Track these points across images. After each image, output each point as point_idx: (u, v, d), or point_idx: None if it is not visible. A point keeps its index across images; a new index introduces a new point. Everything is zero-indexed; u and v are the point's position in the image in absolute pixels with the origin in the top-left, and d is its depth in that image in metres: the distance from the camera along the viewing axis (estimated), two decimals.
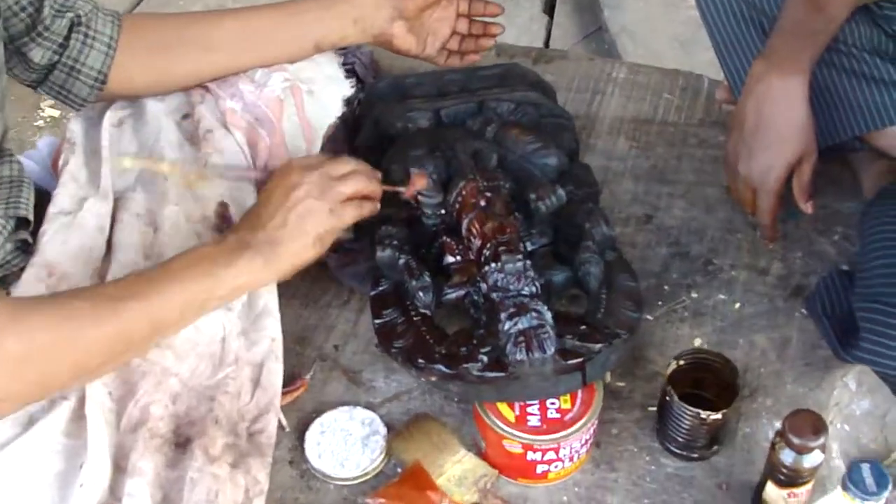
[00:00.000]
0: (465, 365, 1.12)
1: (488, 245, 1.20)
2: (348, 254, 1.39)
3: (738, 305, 1.35)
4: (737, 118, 1.33)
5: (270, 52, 1.34)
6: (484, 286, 1.18)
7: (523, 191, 1.29)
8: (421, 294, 1.20)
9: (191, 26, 1.31)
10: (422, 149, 1.36)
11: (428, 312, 1.21)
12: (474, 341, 1.15)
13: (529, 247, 1.25)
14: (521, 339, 1.11)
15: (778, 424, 1.21)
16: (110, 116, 1.31)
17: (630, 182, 1.50)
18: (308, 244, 1.15)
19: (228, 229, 1.19)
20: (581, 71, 1.66)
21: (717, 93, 1.55)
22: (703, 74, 1.65)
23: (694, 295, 1.36)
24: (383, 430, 1.22)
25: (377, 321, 1.22)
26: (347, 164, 1.20)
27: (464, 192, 1.28)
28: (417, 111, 1.45)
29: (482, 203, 1.25)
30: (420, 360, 1.15)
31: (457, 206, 1.28)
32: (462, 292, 1.21)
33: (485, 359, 1.12)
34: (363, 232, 1.35)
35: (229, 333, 1.17)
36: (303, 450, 1.20)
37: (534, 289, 1.16)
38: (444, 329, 1.19)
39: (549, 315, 1.13)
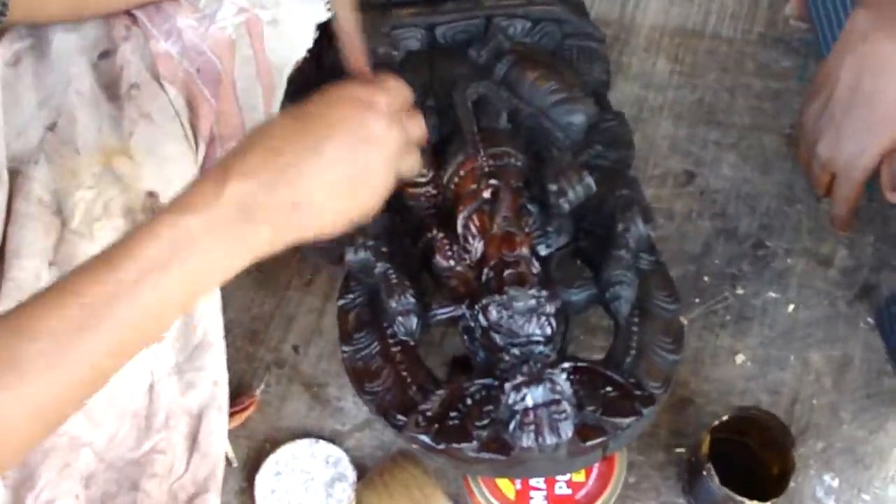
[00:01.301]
0: (455, 445, 0.87)
1: (492, 262, 0.93)
2: None
3: (791, 308, 1.09)
4: (823, 80, 1.02)
5: None
6: (483, 320, 0.92)
7: (539, 168, 1.00)
8: (402, 320, 0.94)
9: None
10: None
11: (410, 342, 0.95)
12: (468, 400, 0.90)
13: (544, 251, 0.98)
14: (531, 420, 0.86)
15: (829, 478, 1.00)
16: (3, 51, 0.99)
17: (669, 122, 1.19)
18: (347, 217, 0.79)
19: (218, 166, 0.75)
20: None
21: (787, 6, 1.23)
22: None
23: (740, 291, 1.10)
24: (352, 474, 0.99)
25: (345, 348, 0.96)
26: (408, 89, 0.86)
27: (461, 173, 0.99)
28: (405, 28, 1.12)
29: (485, 195, 0.96)
30: (398, 418, 0.91)
31: (452, 188, 0.99)
32: (455, 314, 0.95)
33: (482, 435, 0.88)
34: None
35: (158, 379, 0.91)
36: (252, 495, 0.98)
37: (549, 330, 0.90)
38: (430, 371, 0.94)
39: (566, 385, 0.87)
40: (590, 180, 0.97)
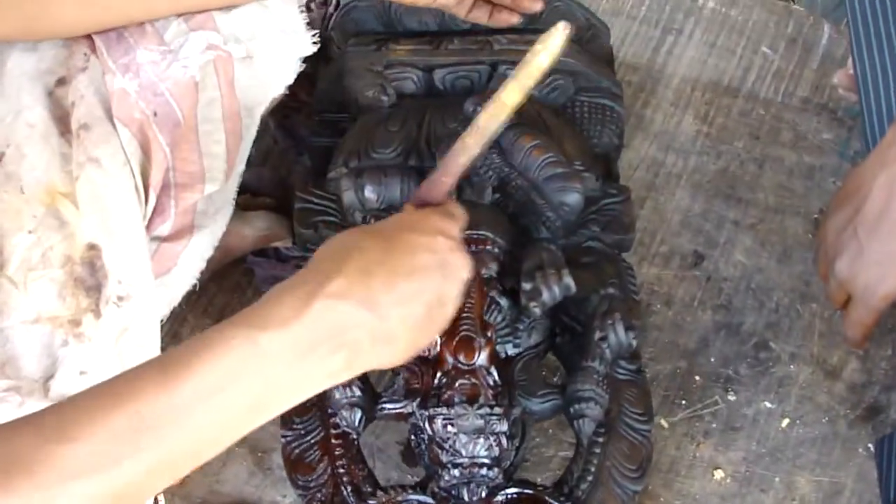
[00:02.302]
0: None
1: (447, 368, 0.85)
2: (280, 265, 1.04)
3: (786, 422, 1.00)
4: (853, 191, 0.90)
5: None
6: (429, 429, 0.84)
7: (519, 253, 0.92)
8: (346, 414, 0.87)
9: None
10: (391, 147, 0.97)
11: (353, 435, 0.88)
12: None
13: (511, 349, 0.90)
14: None
15: None
16: None
17: (686, 192, 1.09)
18: (417, 347, 0.74)
19: (300, 281, 0.68)
20: None
21: (836, 75, 1.10)
22: (823, 20, 1.18)
23: (731, 397, 1.01)
24: None
25: (285, 433, 0.90)
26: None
27: None
28: (401, 68, 1.02)
29: None
30: None
31: None
32: (404, 410, 0.88)
33: None
34: (302, 241, 1.00)
35: None
36: None
37: (496, 451, 0.83)
38: (370, 471, 0.87)
39: None
40: (569, 280, 0.88)
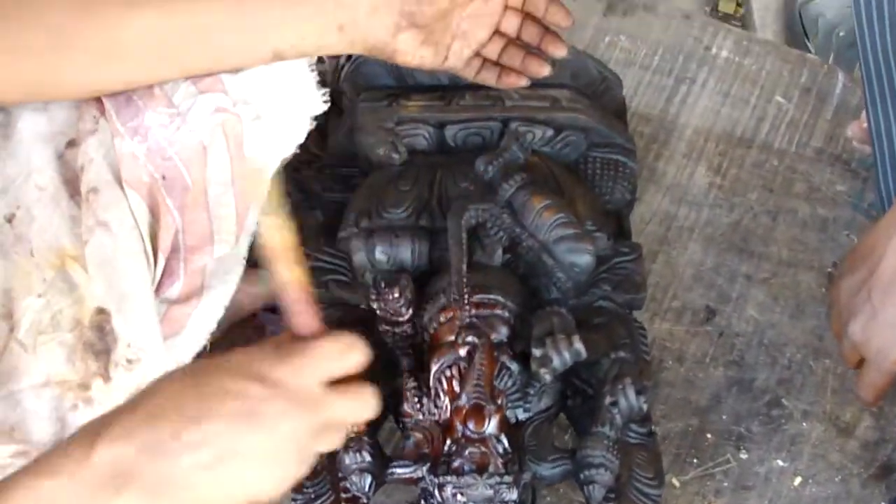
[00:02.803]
0: None
1: (456, 435, 0.85)
2: None
3: (798, 481, 0.99)
4: (866, 253, 0.90)
5: (202, 63, 0.90)
6: (438, 496, 0.84)
7: (529, 317, 0.91)
8: (356, 479, 0.87)
9: (81, 21, 0.86)
10: (402, 207, 0.97)
11: (364, 500, 0.88)
12: None
13: (521, 414, 0.90)
14: None
15: None
16: None
17: (698, 247, 1.08)
18: (241, 499, 0.68)
19: (97, 422, 0.68)
20: (669, 36, 1.18)
21: (850, 128, 1.09)
22: (837, 69, 1.17)
23: (743, 455, 1.00)
24: None
25: (295, 496, 0.90)
26: (368, 403, 0.73)
27: (441, 319, 0.90)
28: (413, 125, 1.02)
29: (461, 352, 0.88)
30: None
31: (430, 333, 0.91)
32: (415, 474, 0.88)
33: None
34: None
35: None
36: None
37: None
38: None
39: None
40: (580, 346, 0.87)
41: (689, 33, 1.19)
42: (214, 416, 0.67)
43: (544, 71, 0.97)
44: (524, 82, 0.99)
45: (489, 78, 0.99)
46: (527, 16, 0.97)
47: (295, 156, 1.06)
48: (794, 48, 1.43)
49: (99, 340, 0.89)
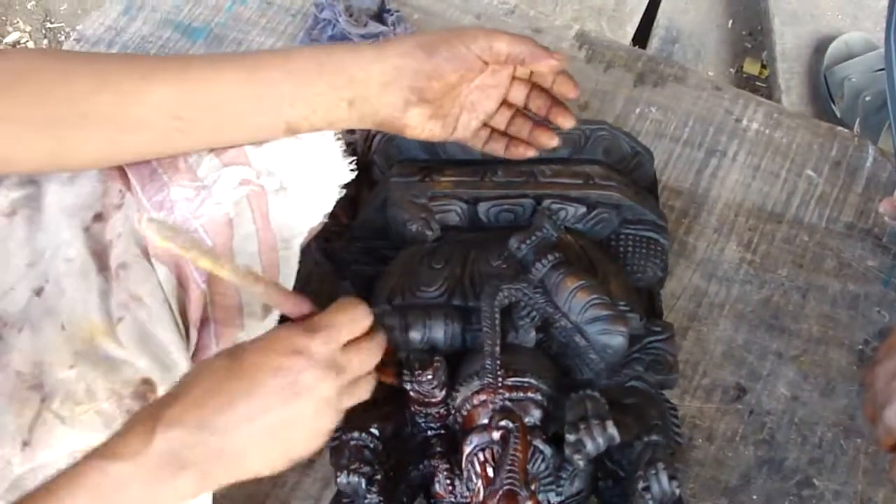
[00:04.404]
0: None
1: None
2: None
3: None
4: None
5: (217, 135, 0.91)
6: None
7: (563, 399, 0.91)
8: None
9: (97, 94, 0.87)
10: (435, 286, 0.97)
11: None
12: None
13: (553, 499, 0.89)
14: None
15: None
16: (0, 198, 0.93)
17: (728, 323, 1.08)
18: (282, 462, 0.80)
19: (151, 409, 0.77)
20: (700, 107, 1.18)
21: (881, 204, 1.09)
22: (868, 142, 1.17)
23: None
24: None
25: None
26: (376, 353, 0.86)
27: (474, 402, 0.90)
28: (446, 200, 1.02)
29: (494, 436, 0.87)
30: None
31: (462, 415, 0.91)
32: None
33: None
34: None
35: None
36: None
37: None
38: None
39: None
40: (613, 431, 0.87)
41: (720, 105, 1.19)
42: (263, 391, 0.77)
43: (553, 142, 0.98)
44: (532, 153, 0.99)
45: (497, 148, 1.00)
46: (534, 86, 0.98)
47: (325, 226, 1.07)
48: (821, 115, 1.44)
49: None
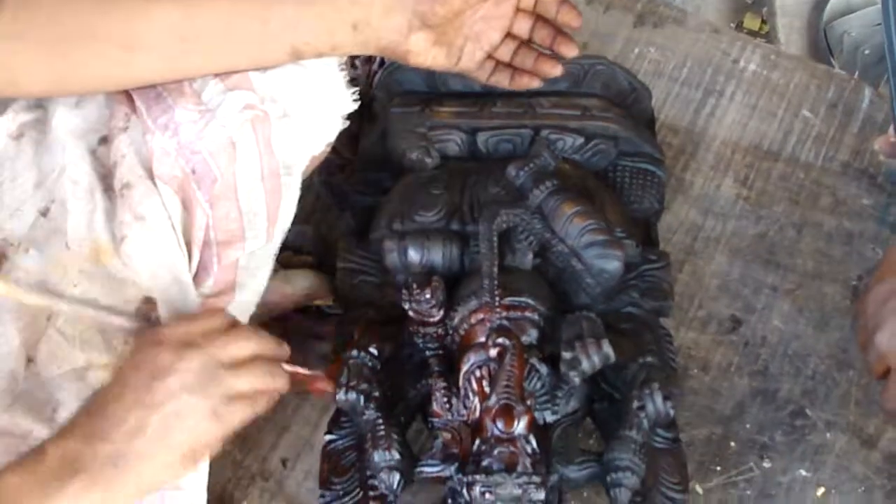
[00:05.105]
0: None
1: (486, 435, 0.86)
2: (321, 322, 1.05)
3: (821, 491, 1.00)
4: (894, 264, 0.91)
5: (223, 58, 0.91)
6: (467, 495, 0.85)
7: (559, 320, 0.92)
8: (384, 476, 0.88)
9: (105, 13, 0.88)
10: (434, 210, 0.98)
11: (391, 497, 0.89)
12: None
13: (549, 417, 0.91)
14: None
15: None
16: (8, 121, 0.94)
17: (724, 258, 1.09)
18: (173, 461, 0.79)
19: (50, 439, 0.79)
20: (698, 49, 1.19)
21: (877, 141, 1.10)
22: (864, 84, 1.18)
23: (767, 464, 1.01)
24: None
25: (323, 492, 0.91)
26: (247, 342, 0.85)
27: (472, 321, 0.91)
28: (445, 130, 1.04)
29: (491, 353, 0.89)
30: None
31: (460, 334, 0.92)
32: (443, 473, 0.89)
33: None
34: (343, 300, 1.01)
35: None
36: None
37: None
38: None
39: None
40: (609, 350, 0.88)
41: (718, 47, 1.20)
42: (131, 383, 0.79)
43: (556, 71, 0.98)
44: (536, 83, 0.99)
45: (502, 80, 1.00)
46: (538, 18, 0.98)
47: (327, 160, 1.08)
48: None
49: (145, 328, 0.91)
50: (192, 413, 0.79)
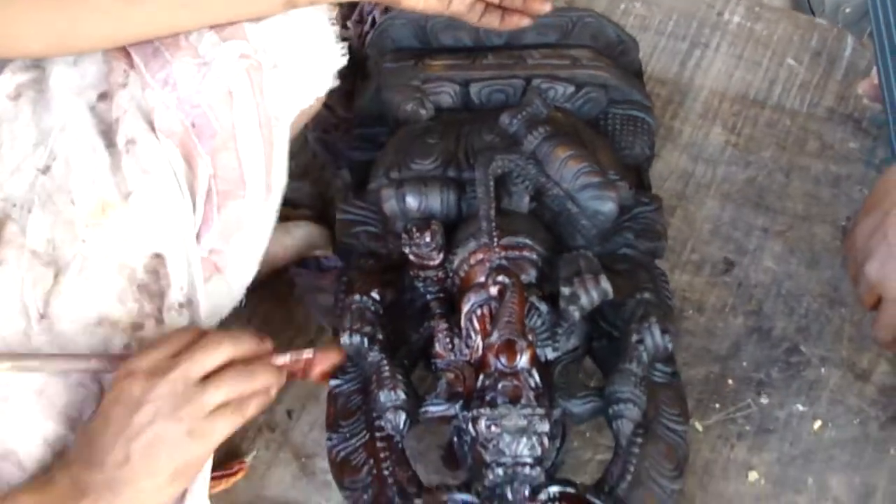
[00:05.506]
0: None
1: (489, 370, 0.88)
2: (321, 275, 1.07)
3: (818, 424, 1.02)
4: (882, 196, 0.93)
5: (219, 8, 0.93)
6: (472, 430, 0.87)
7: (557, 260, 0.94)
8: (391, 416, 0.89)
9: None
10: (430, 158, 1.00)
11: (397, 438, 0.91)
12: None
13: (550, 354, 0.92)
14: None
15: None
16: (5, 82, 0.95)
17: (715, 202, 1.11)
18: (162, 483, 0.83)
19: (58, 463, 0.84)
20: (682, 3, 1.22)
21: (860, 85, 1.13)
22: (847, 32, 1.21)
23: (764, 400, 1.03)
24: None
25: (331, 435, 0.92)
26: (217, 350, 0.85)
27: (471, 262, 0.93)
28: (438, 83, 1.05)
29: (492, 291, 0.90)
30: None
31: (460, 276, 0.94)
32: (448, 412, 0.90)
33: None
34: (343, 251, 1.03)
35: None
36: None
37: (539, 451, 0.85)
38: (414, 472, 0.90)
39: None
40: (607, 286, 0.90)
41: (703, 0, 1.22)
42: (114, 415, 0.82)
43: (546, 7, 1.00)
44: (527, 21, 1.01)
45: (492, 20, 1.01)
46: None
47: (322, 118, 1.10)
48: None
49: (154, 283, 0.92)
50: (170, 438, 0.82)
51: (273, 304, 1.06)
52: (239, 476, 0.99)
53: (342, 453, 0.91)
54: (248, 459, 1.00)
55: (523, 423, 0.85)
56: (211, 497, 0.96)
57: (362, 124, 1.09)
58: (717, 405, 1.02)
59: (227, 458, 0.99)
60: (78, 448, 0.83)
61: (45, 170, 0.95)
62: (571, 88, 1.05)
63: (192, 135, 0.92)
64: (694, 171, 1.13)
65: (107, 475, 0.81)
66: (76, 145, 0.93)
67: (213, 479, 0.96)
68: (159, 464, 0.82)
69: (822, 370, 1.04)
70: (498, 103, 1.06)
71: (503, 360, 0.87)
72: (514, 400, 0.86)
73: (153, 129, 0.93)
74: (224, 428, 0.84)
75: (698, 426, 1.01)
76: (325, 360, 0.93)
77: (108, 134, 0.95)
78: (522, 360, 0.88)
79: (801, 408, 1.02)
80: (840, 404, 1.03)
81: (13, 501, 0.80)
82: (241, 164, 0.95)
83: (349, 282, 0.96)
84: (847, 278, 1.07)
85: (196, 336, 0.86)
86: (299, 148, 0.99)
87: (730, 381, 1.03)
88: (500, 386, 0.87)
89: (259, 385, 0.86)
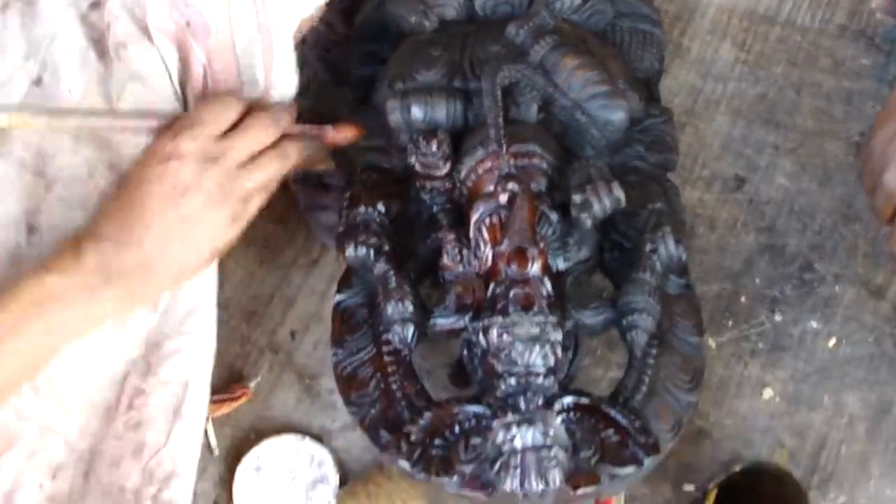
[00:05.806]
0: (437, 478, 0.81)
1: (500, 278, 0.85)
2: (324, 192, 1.04)
3: (832, 341, 1.00)
4: None
5: None
6: (483, 341, 0.84)
7: (567, 170, 0.91)
8: (398, 329, 0.86)
9: None
10: (435, 69, 0.96)
11: (405, 351, 0.88)
12: (456, 428, 0.83)
13: (562, 264, 0.90)
14: (517, 464, 0.79)
15: None
16: None
17: (726, 118, 1.08)
18: (197, 263, 0.84)
19: (83, 236, 0.81)
20: None
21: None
22: None
23: (778, 317, 1.00)
24: (335, 478, 0.94)
25: (336, 350, 0.89)
26: (263, 133, 0.85)
27: (479, 171, 0.90)
28: None
29: (501, 199, 0.87)
30: (381, 435, 0.84)
31: (468, 186, 0.91)
32: (457, 325, 0.88)
33: (465, 471, 0.81)
34: (345, 166, 1.00)
35: (134, 366, 0.86)
36: (230, 489, 0.93)
37: (552, 360, 0.83)
38: (423, 386, 0.87)
39: (561, 429, 0.80)
40: (620, 193, 0.87)
41: None
42: (152, 200, 0.80)
43: None
44: None
45: None
46: None
47: (323, 36, 1.06)
48: None
49: None
50: (215, 222, 0.82)
51: (274, 224, 1.03)
52: (242, 401, 0.97)
53: (348, 368, 0.88)
54: (252, 386, 0.97)
55: (536, 330, 0.83)
56: (214, 420, 0.94)
57: (363, 40, 1.06)
58: (730, 322, 1.00)
59: (228, 381, 0.97)
60: (109, 224, 0.80)
61: (38, 81, 0.92)
62: (578, 0, 1.02)
63: (188, 34, 0.89)
64: (703, 87, 1.10)
65: (143, 254, 0.79)
66: (66, 57, 0.90)
67: (215, 402, 0.94)
68: (199, 246, 0.82)
69: (837, 287, 1.02)
70: (503, 15, 1.02)
71: (514, 267, 0.85)
72: (526, 307, 0.83)
73: (146, 32, 0.90)
74: (256, 208, 0.86)
75: (712, 343, 0.99)
76: (342, 132, 0.94)
77: (99, 43, 0.92)
78: (534, 268, 0.85)
79: (815, 325, 1.00)
80: (854, 321, 1.01)
81: (39, 282, 0.77)
82: (240, 71, 0.92)
83: (353, 196, 0.93)
84: (861, 194, 1.05)
85: (241, 111, 0.85)
86: (299, 66, 0.96)
87: (742, 299, 1.01)
88: (511, 293, 0.84)
89: (289, 165, 0.87)
